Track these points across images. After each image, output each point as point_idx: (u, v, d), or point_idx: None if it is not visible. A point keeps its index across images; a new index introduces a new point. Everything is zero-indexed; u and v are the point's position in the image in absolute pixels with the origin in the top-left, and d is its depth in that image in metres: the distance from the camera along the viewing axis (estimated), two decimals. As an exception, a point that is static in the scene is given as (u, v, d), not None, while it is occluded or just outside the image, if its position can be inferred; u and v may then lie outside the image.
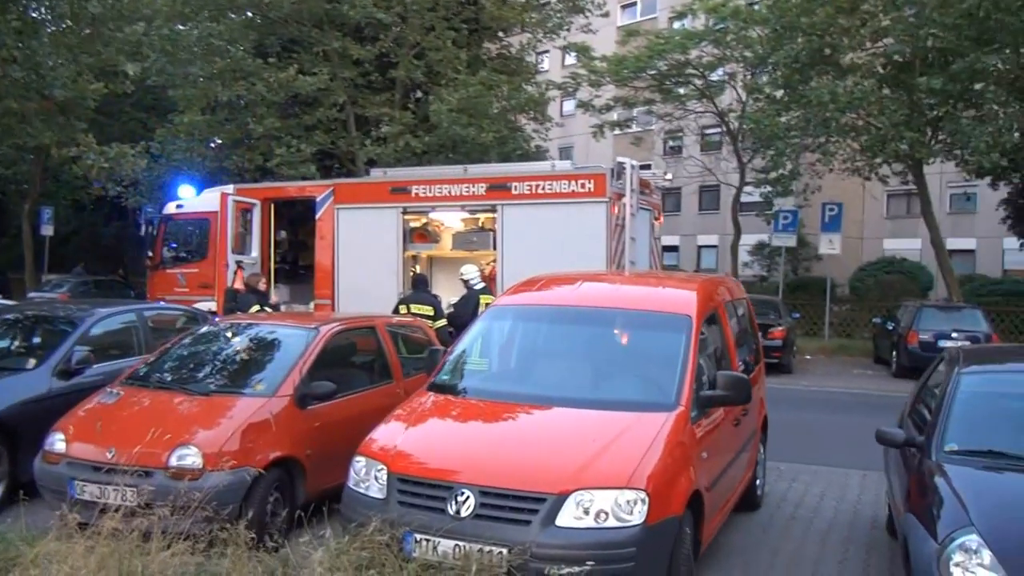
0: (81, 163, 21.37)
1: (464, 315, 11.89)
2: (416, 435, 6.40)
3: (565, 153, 46.07)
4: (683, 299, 7.33)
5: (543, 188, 14.97)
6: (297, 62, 25.11)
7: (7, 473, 8.38)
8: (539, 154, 30.45)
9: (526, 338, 7.57)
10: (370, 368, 9.26)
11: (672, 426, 6.07)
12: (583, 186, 14.62)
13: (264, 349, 8.63)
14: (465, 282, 12.86)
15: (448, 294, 14.74)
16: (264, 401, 7.59)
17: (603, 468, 5.67)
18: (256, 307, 13.46)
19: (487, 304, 10.88)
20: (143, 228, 21.05)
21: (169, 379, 8.28)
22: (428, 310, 12.12)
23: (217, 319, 10.83)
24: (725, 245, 39.55)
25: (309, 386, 7.86)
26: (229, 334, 9.02)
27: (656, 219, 16.62)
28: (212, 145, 27.67)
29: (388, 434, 6.42)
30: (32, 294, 29.51)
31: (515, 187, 15.17)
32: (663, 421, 6.08)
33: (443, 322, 12.03)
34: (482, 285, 12.97)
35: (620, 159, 15.22)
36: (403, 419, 6.61)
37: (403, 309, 12.20)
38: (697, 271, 42.34)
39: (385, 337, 9.30)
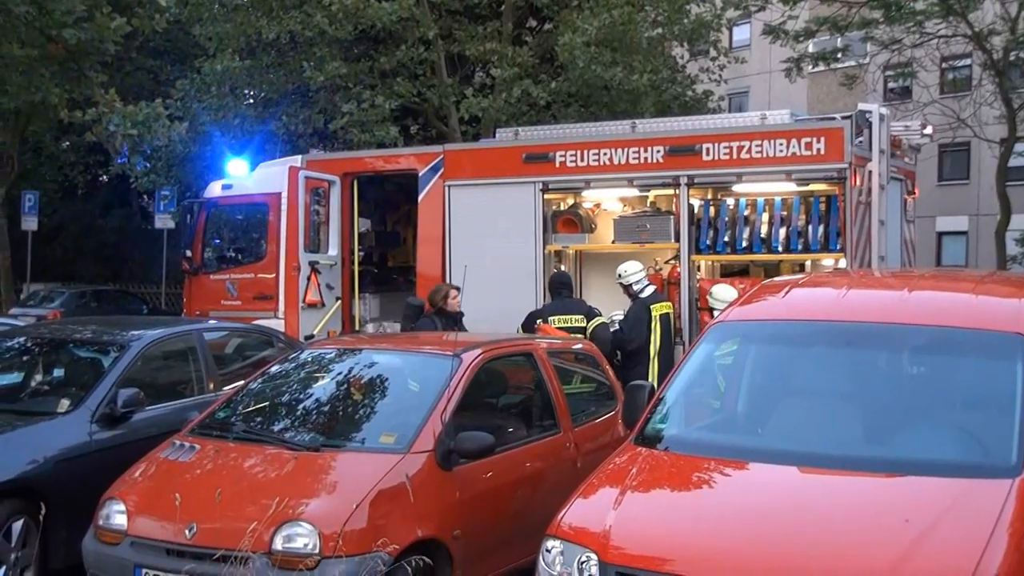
0: (99, 128, 16.32)
1: (638, 335, 10.44)
2: (635, 511, 5.05)
3: (736, 102, 37.19)
4: (1016, 310, 5.86)
5: (749, 151, 11.74)
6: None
7: (36, 556, 6.90)
8: (702, 101, 23.12)
9: (774, 369, 6.36)
10: (527, 412, 7.96)
11: (1019, 501, 4.62)
12: (809, 147, 11.40)
13: (386, 386, 7.38)
14: (626, 288, 10.92)
15: (607, 304, 11.91)
16: (396, 459, 6.26)
17: (927, 567, 4.25)
18: None
19: (660, 316, 10.45)
20: (184, 218, 16.74)
21: (260, 428, 7.03)
22: (579, 321, 10.33)
23: (310, 342, 9.68)
24: (980, 231, 31.31)
25: (456, 438, 6.45)
26: (334, 365, 7.63)
27: (909, 193, 13.31)
28: (251, 101, 21.52)
29: (591, 509, 5.12)
30: (14, 310, 23.06)
31: (707, 150, 11.88)
32: (1004, 493, 4.64)
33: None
34: (651, 290, 10.93)
35: (863, 106, 11.83)
36: (609, 487, 5.28)
37: (541, 325, 10.28)
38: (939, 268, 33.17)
39: (548, 368, 7.76)
